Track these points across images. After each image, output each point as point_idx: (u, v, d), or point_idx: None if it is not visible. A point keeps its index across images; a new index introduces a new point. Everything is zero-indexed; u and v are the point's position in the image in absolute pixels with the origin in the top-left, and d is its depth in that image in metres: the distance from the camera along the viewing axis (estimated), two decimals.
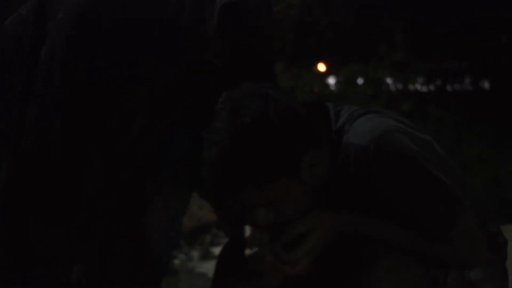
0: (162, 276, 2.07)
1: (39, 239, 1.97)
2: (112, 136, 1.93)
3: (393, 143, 1.82)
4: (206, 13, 1.89)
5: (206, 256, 5.62)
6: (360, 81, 8.89)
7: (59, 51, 1.94)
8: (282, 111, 1.80)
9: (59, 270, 1.98)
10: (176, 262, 4.57)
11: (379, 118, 1.89)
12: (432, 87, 9.09)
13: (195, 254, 5.30)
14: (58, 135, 1.94)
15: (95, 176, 1.94)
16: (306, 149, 1.83)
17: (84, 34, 1.94)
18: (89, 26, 1.93)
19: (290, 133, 1.81)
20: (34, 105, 1.96)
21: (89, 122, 1.93)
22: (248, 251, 1.86)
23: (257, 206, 1.82)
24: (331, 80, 9.37)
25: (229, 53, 1.90)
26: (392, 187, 1.82)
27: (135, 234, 1.96)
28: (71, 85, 1.93)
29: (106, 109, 1.92)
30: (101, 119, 1.93)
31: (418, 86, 9.19)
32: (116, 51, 1.91)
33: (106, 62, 1.92)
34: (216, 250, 4.45)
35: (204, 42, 1.90)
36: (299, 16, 9.18)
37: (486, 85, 9.28)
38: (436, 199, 1.84)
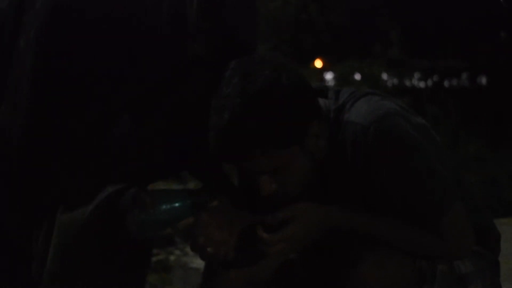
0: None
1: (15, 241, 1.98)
2: (88, 131, 1.91)
3: (393, 126, 1.83)
4: (186, 4, 1.88)
5: None
6: (357, 76, 8.90)
7: (32, 40, 1.92)
8: (293, 77, 1.81)
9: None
10: (172, 258, 4.57)
11: (381, 101, 1.89)
12: (429, 83, 9.10)
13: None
14: (24, 131, 1.92)
15: (67, 178, 1.93)
16: (313, 118, 1.83)
17: (59, 25, 1.91)
18: (64, 17, 1.91)
19: (301, 99, 1.81)
20: (6, 97, 1.95)
21: (60, 118, 1.91)
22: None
23: (261, 174, 1.83)
24: (328, 76, 9.39)
25: (212, 45, 1.88)
26: (388, 170, 1.82)
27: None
28: (42, 76, 1.91)
29: (79, 104, 1.90)
30: (73, 114, 1.91)
31: (415, 82, 9.21)
32: (92, 44, 1.89)
33: (81, 55, 1.89)
34: None
35: (186, 33, 1.88)
36: (295, 13, 9.19)
37: (483, 82, 9.29)
38: (430, 185, 1.84)
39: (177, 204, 1.88)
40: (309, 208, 1.88)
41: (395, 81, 9.03)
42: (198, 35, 1.88)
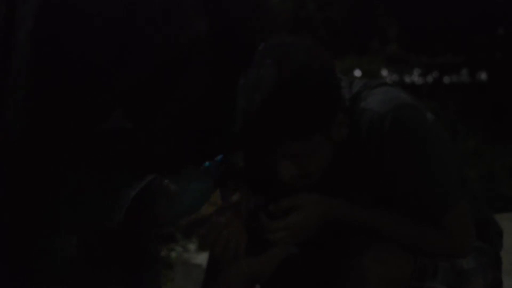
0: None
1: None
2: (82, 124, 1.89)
3: (410, 116, 1.84)
4: None
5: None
6: (357, 73, 8.88)
7: (27, 35, 1.91)
8: (326, 64, 1.81)
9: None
10: (173, 255, 4.58)
11: (397, 92, 1.90)
12: (429, 79, 9.07)
13: (192, 246, 5.30)
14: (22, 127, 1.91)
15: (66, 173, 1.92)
16: (339, 106, 1.84)
17: (52, 17, 1.90)
18: (57, 9, 1.89)
19: (332, 87, 1.82)
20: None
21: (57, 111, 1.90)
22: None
23: (282, 159, 1.83)
24: None
25: (211, 33, 1.87)
26: (400, 159, 1.83)
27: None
28: (39, 69, 1.89)
29: (73, 96, 1.89)
30: (69, 106, 1.90)
31: (415, 78, 9.19)
32: (84, 34, 1.87)
33: (74, 45, 1.88)
34: None
35: (181, 20, 1.87)
36: (294, 9, 9.16)
37: (482, 77, 9.27)
38: (440, 179, 1.85)
39: (200, 186, 1.87)
40: (313, 198, 1.89)
41: (395, 77, 9.02)
42: (196, 21, 1.86)
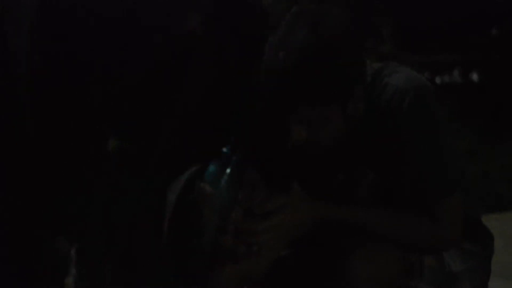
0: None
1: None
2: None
3: (430, 98, 1.88)
4: None
5: None
6: None
7: (26, 34, 1.90)
8: (356, 36, 1.84)
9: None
10: None
11: (420, 75, 1.94)
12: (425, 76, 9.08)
13: None
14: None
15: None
16: (362, 80, 1.86)
17: (51, 16, 1.89)
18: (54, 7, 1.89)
19: (359, 59, 1.85)
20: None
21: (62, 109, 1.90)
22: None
23: (295, 123, 1.83)
24: None
25: (208, 24, 1.87)
26: (413, 135, 1.85)
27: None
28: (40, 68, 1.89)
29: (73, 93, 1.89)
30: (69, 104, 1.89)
31: None
32: (83, 34, 1.87)
33: (74, 45, 1.88)
34: None
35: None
36: (287, 7, 9.17)
37: (475, 77, 9.28)
38: (446, 164, 1.89)
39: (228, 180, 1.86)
40: (298, 199, 1.88)
41: None
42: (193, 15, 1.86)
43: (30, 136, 1.91)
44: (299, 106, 1.80)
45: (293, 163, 1.95)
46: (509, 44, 8.70)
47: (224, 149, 1.86)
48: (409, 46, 8.65)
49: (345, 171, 1.97)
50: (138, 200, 1.96)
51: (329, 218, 1.89)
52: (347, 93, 1.82)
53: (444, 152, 1.89)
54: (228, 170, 1.84)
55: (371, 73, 1.90)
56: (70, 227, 1.97)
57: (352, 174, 1.97)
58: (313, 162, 1.96)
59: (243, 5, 1.99)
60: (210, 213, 1.84)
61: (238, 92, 1.94)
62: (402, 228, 1.90)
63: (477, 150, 7.46)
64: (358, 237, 1.87)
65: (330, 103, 1.80)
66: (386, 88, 1.87)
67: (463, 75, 9.29)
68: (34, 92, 1.90)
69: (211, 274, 1.97)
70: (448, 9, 8.27)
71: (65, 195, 1.94)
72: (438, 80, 9.07)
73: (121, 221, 1.95)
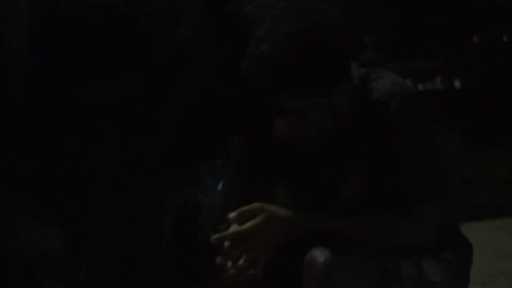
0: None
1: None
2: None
3: (418, 102, 1.91)
4: None
5: None
6: None
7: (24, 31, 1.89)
8: (342, 29, 1.85)
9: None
10: None
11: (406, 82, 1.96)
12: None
13: None
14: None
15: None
16: (346, 75, 1.86)
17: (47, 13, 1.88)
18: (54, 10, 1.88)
19: (344, 52, 1.85)
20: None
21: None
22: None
23: (279, 115, 1.83)
24: None
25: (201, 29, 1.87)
26: (399, 137, 1.86)
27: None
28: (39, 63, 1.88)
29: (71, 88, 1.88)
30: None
31: None
32: (82, 33, 1.87)
33: (73, 45, 1.87)
34: None
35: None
36: None
37: (458, 84, 9.33)
38: (432, 167, 1.91)
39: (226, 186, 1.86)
40: (272, 213, 1.87)
41: None
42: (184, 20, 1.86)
43: (30, 136, 1.90)
44: (282, 97, 1.79)
45: (281, 161, 1.95)
46: (492, 51, 8.75)
47: (219, 162, 1.88)
48: (391, 53, 8.68)
49: (332, 171, 1.97)
50: (138, 200, 1.97)
51: (308, 226, 1.88)
52: (330, 86, 1.83)
53: (430, 156, 1.90)
54: (220, 185, 1.86)
55: (357, 76, 1.91)
56: (70, 227, 1.97)
57: (339, 174, 1.96)
58: (300, 160, 1.95)
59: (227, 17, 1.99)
60: (207, 224, 1.85)
61: (237, 92, 1.94)
62: (381, 230, 1.90)
63: (458, 158, 7.50)
64: (335, 241, 1.87)
65: (313, 95, 1.81)
66: (373, 91, 1.89)
67: (445, 82, 9.33)
68: (34, 92, 1.90)
69: (210, 275, 1.96)
70: (430, 16, 8.31)
71: (65, 195, 1.94)
72: (420, 87, 9.10)
73: (121, 221, 1.95)
